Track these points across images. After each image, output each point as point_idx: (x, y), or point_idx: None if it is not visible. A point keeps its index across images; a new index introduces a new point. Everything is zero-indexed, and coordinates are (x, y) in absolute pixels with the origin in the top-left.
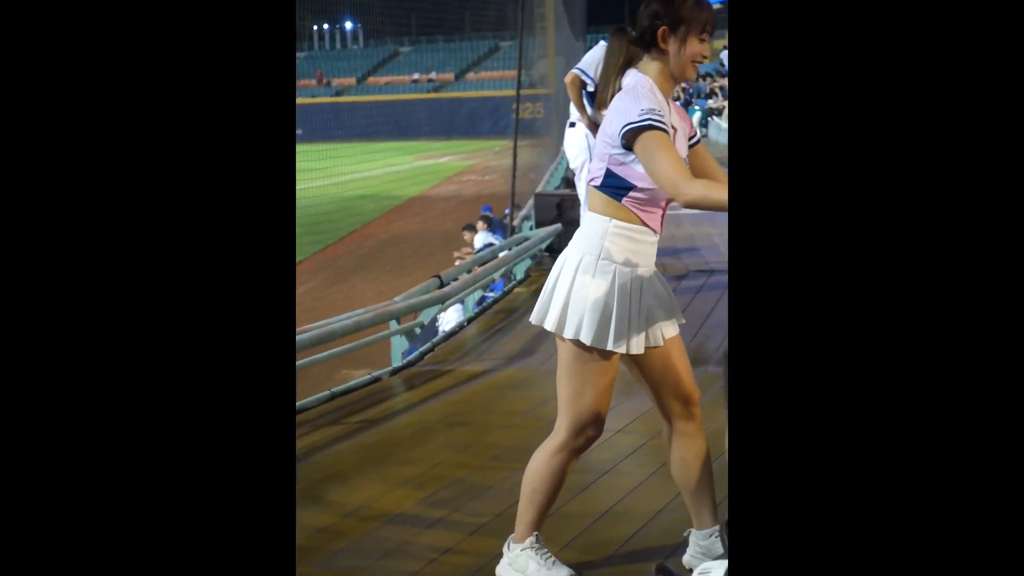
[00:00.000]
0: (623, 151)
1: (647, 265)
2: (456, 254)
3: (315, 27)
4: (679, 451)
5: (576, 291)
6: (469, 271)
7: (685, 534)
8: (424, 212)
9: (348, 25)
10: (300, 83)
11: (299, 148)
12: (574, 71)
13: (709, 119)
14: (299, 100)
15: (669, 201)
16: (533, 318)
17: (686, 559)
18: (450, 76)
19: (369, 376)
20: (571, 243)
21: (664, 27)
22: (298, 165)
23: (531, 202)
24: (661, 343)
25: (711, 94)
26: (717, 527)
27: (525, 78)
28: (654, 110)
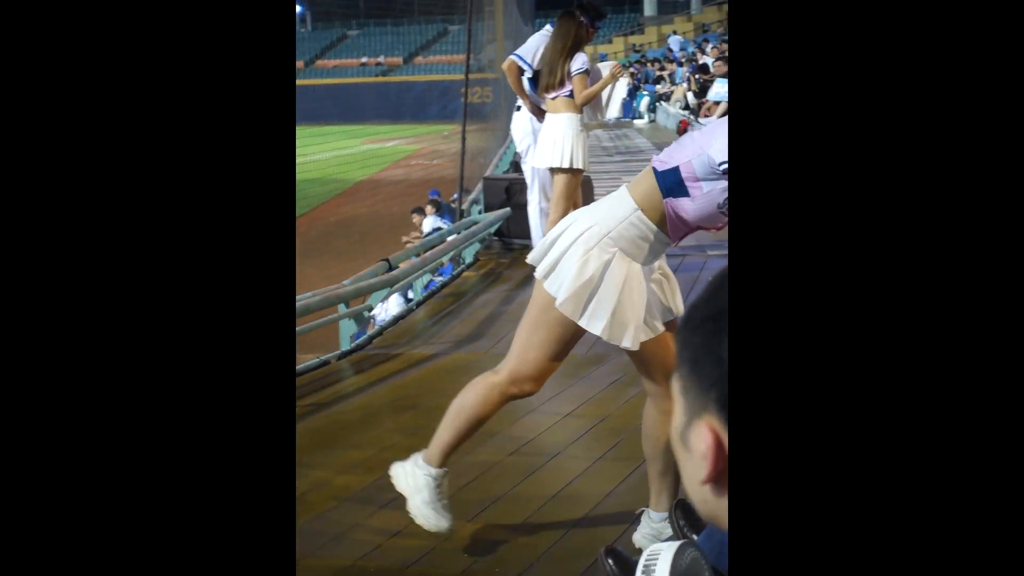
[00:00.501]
0: (709, 171)
1: (651, 262)
2: (405, 238)
3: None
4: (656, 427)
5: (571, 254)
6: (417, 255)
7: (638, 512)
8: (372, 196)
9: (296, 8)
10: None
11: None
12: (511, 58)
13: (657, 104)
14: None
15: (700, 228)
16: (530, 257)
17: (636, 537)
18: (398, 60)
19: (317, 360)
20: (593, 206)
21: None
22: None
23: (480, 186)
24: (657, 332)
25: (659, 79)
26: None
27: (474, 62)
28: None
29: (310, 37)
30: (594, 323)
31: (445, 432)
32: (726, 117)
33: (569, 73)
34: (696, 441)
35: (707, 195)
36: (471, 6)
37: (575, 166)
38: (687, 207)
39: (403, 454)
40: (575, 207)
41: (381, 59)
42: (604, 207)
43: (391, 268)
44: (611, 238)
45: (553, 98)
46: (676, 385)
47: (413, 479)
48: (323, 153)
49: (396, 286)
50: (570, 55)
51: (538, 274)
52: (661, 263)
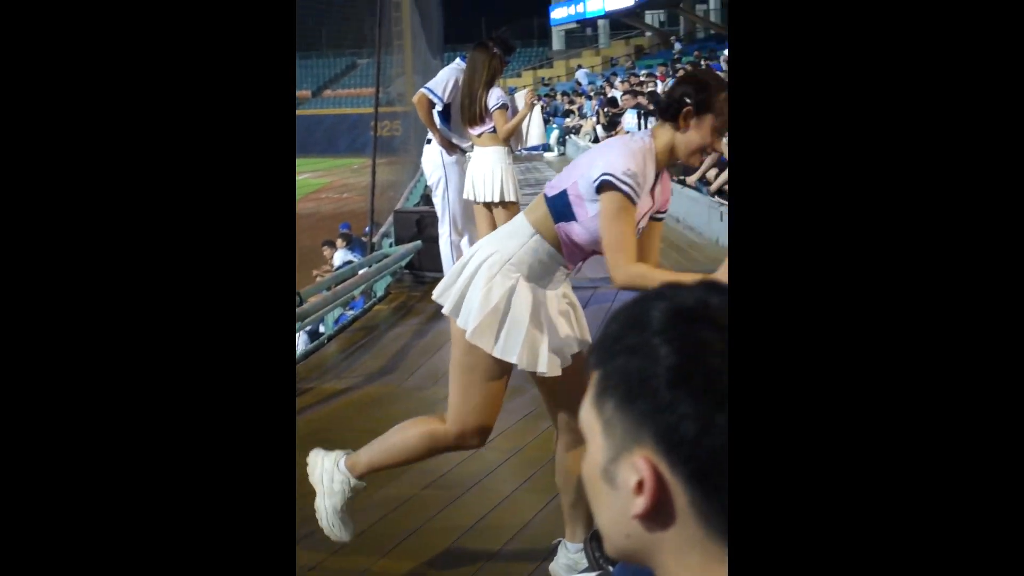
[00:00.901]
0: (591, 191)
1: (554, 287)
2: (316, 272)
3: None
4: (567, 462)
5: (475, 284)
6: (328, 288)
7: (555, 543)
8: None
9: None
10: None
11: None
12: (422, 91)
13: (567, 137)
14: None
15: (594, 253)
16: (435, 293)
17: (553, 568)
18: (307, 93)
19: None
20: (493, 234)
21: (690, 108)
22: None
23: (390, 219)
24: (568, 362)
25: (568, 113)
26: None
27: (383, 95)
28: (636, 176)
29: None
30: (508, 352)
31: (379, 455)
32: (612, 138)
33: (487, 108)
34: (627, 476)
35: (595, 218)
36: (380, 40)
37: (507, 199)
38: (577, 231)
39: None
40: None
41: None
42: (503, 235)
43: (301, 302)
44: (512, 264)
45: (479, 134)
46: (594, 422)
47: (330, 480)
48: None
49: (307, 320)
50: (488, 86)
51: (446, 310)
52: (568, 292)
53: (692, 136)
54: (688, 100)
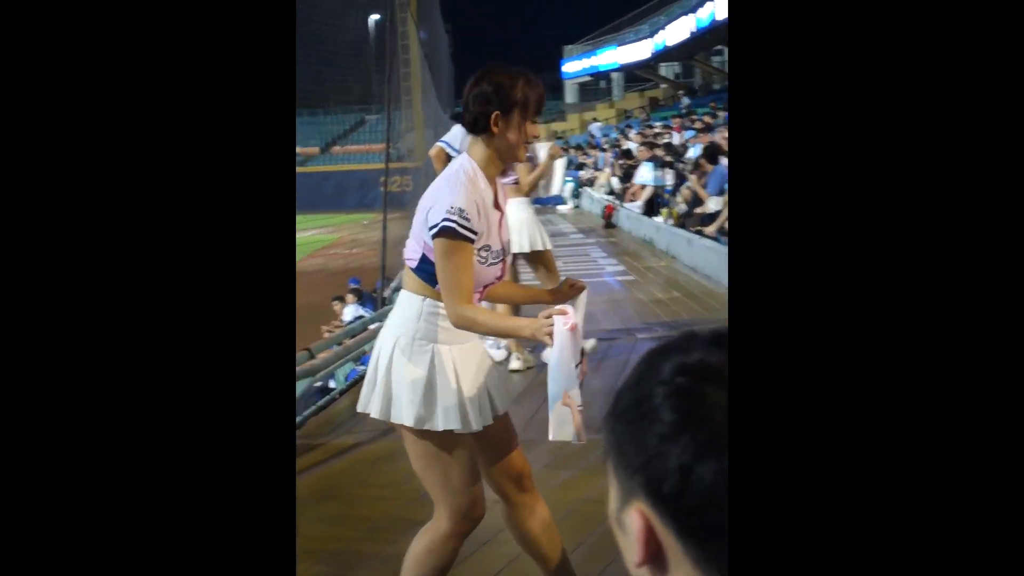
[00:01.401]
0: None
1: (468, 341)
2: (325, 327)
3: None
4: (522, 524)
5: (394, 373)
6: (339, 344)
7: None
8: None
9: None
10: None
11: None
12: (439, 144)
13: (581, 190)
14: None
15: (486, 287)
16: (359, 406)
17: None
18: (315, 150)
19: None
20: (386, 323)
21: (496, 112)
22: None
23: (401, 274)
24: (498, 415)
25: (582, 166)
26: None
27: (393, 151)
28: (462, 211)
29: None
30: (449, 420)
31: None
32: (433, 184)
33: None
34: (630, 524)
35: None
36: (389, 95)
37: (541, 247)
38: None
39: (329, 544)
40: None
41: (297, 149)
42: (397, 317)
43: (312, 357)
44: (421, 338)
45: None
46: (609, 470)
47: None
48: None
49: (318, 375)
50: None
51: (376, 414)
52: (479, 345)
53: (508, 136)
54: (491, 107)
